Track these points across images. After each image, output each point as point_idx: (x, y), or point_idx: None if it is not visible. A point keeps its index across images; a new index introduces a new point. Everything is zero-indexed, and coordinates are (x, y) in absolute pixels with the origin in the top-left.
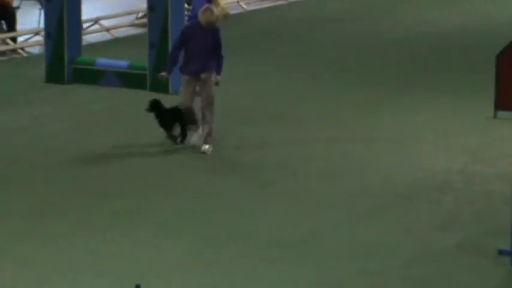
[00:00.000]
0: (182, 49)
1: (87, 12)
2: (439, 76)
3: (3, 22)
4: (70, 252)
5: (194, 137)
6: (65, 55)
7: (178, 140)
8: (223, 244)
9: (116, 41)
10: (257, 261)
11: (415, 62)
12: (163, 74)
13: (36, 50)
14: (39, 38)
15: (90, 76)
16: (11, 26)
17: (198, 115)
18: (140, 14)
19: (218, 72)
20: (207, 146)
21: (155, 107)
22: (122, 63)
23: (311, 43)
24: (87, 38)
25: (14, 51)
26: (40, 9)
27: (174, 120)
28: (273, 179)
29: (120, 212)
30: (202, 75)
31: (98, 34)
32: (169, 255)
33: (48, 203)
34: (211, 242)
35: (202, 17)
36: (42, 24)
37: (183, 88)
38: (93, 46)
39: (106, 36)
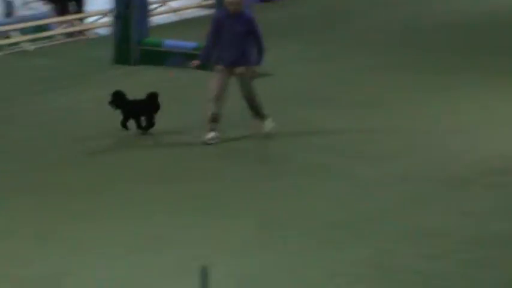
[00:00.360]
0: (215, 38)
1: None
2: (497, 58)
3: (72, 3)
4: (134, 233)
5: (210, 134)
6: (133, 36)
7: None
8: (281, 226)
9: (183, 22)
10: (315, 242)
11: (471, 44)
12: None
13: (104, 31)
14: (107, 20)
15: (157, 57)
16: (80, 8)
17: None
18: None
19: (256, 63)
20: (269, 125)
21: (118, 99)
22: (189, 44)
23: (369, 25)
24: (154, 20)
25: (82, 32)
26: None
27: (142, 112)
28: (325, 162)
29: (174, 194)
30: (238, 70)
31: (165, 15)
32: (230, 236)
33: (107, 183)
34: (270, 224)
35: (225, 2)
36: (110, 6)
37: (212, 79)
38: (161, 27)
39: (173, 17)
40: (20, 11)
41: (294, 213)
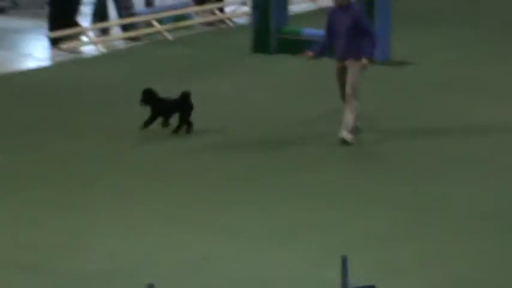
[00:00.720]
0: (328, 32)
1: None
2: None
3: None
4: (275, 221)
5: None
6: (271, 25)
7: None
8: (424, 215)
9: (322, 10)
10: (459, 232)
11: None
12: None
13: (242, 20)
14: (246, 9)
15: (296, 46)
16: None
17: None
18: None
19: (366, 54)
20: (348, 135)
21: (149, 97)
22: None
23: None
24: (293, 8)
25: (221, 21)
26: None
27: (175, 110)
28: (467, 152)
29: (318, 182)
30: (346, 62)
31: (304, 4)
32: (372, 226)
33: (251, 171)
34: (411, 214)
35: None
36: None
37: (336, 74)
38: (300, 16)
39: (312, 6)
40: (160, 1)
41: (435, 203)
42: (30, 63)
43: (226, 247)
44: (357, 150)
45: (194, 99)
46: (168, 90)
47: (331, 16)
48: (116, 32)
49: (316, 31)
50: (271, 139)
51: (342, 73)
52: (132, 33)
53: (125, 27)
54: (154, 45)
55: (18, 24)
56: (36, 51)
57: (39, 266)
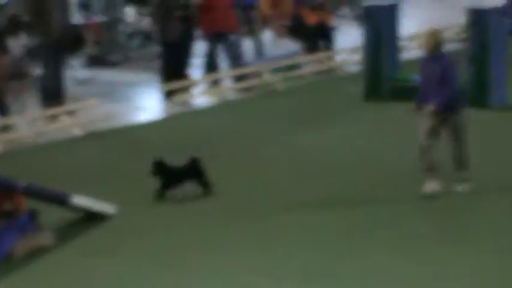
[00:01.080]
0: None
1: (403, 28)
2: None
3: (321, 41)
4: (369, 272)
5: (428, 184)
6: (383, 72)
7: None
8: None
9: None
10: None
11: None
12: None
13: (353, 68)
14: (357, 57)
15: (408, 93)
16: (329, 45)
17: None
18: (458, 29)
19: (434, 101)
20: (463, 185)
21: (160, 168)
22: None
23: None
24: (404, 55)
25: (332, 70)
26: (357, 28)
27: (186, 178)
28: None
29: (408, 233)
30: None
31: (414, 51)
32: (466, 280)
33: (351, 222)
34: (508, 266)
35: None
36: (359, 42)
37: (419, 122)
38: (411, 63)
39: (422, 52)
40: (270, 50)
41: None
42: (144, 116)
43: None
44: (457, 202)
45: (304, 149)
46: (282, 140)
47: (423, 64)
48: (227, 83)
49: None
50: (377, 187)
51: (429, 120)
52: (243, 84)
53: (236, 78)
54: (265, 95)
55: (130, 78)
56: (148, 104)
57: None
